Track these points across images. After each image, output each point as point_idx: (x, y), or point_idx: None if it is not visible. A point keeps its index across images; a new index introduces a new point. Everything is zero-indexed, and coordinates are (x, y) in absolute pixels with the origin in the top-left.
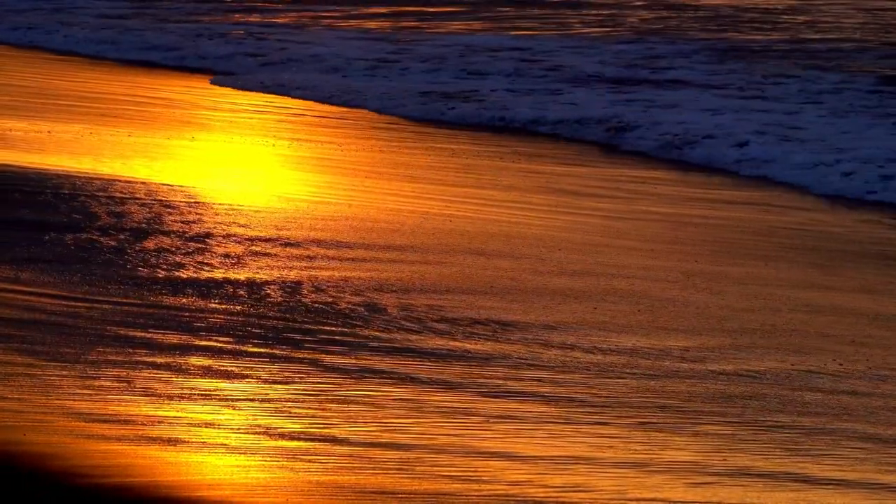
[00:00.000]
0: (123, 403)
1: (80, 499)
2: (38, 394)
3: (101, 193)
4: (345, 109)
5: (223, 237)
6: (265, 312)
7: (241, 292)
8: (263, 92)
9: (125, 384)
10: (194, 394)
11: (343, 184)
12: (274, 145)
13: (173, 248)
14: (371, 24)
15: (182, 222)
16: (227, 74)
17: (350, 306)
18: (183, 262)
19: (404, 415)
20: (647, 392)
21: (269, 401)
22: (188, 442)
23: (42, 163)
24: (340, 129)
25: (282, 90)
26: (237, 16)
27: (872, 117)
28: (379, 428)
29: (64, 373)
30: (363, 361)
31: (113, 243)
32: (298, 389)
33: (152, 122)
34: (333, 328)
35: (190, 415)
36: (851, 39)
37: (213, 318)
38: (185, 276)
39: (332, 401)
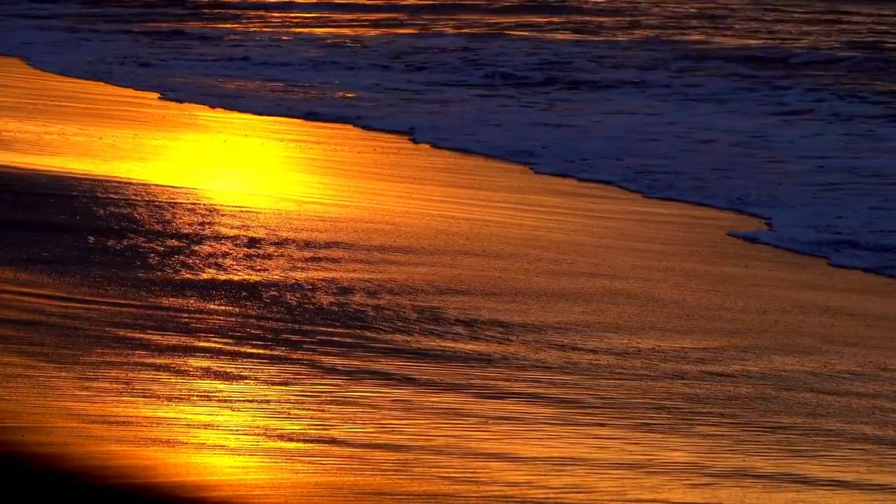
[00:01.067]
0: (122, 405)
1: (81, 499)
2: (37, 395)
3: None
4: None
5: (221, 238)
6: (263, 314)
7: (239, 293)
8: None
9: (124, 385)
10: (193, 395)
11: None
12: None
13: (171, 249)
14: (339, 30)
15: (178, 223)
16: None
17: (348, 307)
18: (181, 263)
19: (403, 416)
20: (646, 393)
21: (267, 402)
22: (187, 443)
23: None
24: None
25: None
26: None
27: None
28: (377, 429)
29: (63, 374)
30: (361, 363)
31: (111, 244)
32: (297, 391)
33: None
34: (331, 329)
35: (189, 416)
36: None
37: (212, 319)
38: (183, 277)
39: (330, 402)
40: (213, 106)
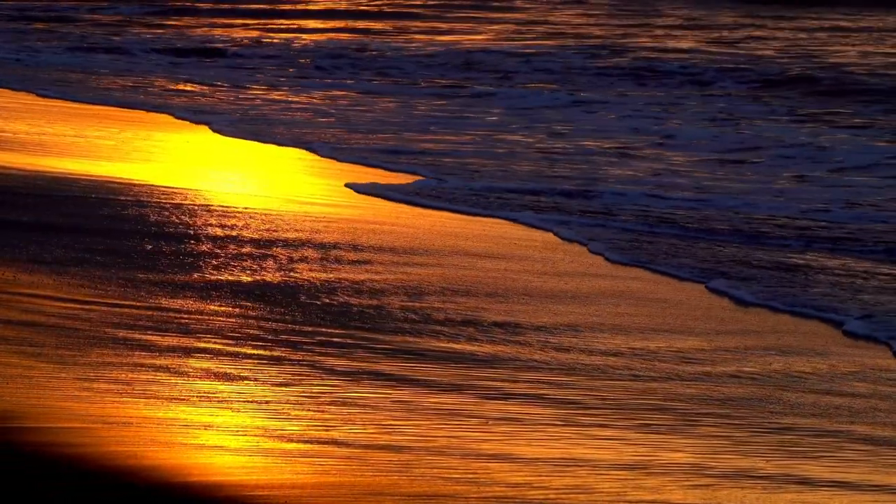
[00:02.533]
0: (123, 406)
1: (84, 499)
2: (37, 396)
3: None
4: None
5: (221, 239)
6: (263, 315)
7: (240, 294)
8: None
9: (125, 386)
10: (193, 396)
11: None
12: None
13: (171, 250)
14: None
15: (178, 224)
16: None
17: (348, 308)
18: (182, 263)
19: (403, 416)
20: (647, 393)
21: (267, 403)
22: (187, 444)
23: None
24: None
25: None
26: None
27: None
28: (377, 430)
29: (63, 374)
30: (361, 363)
31: (111, 245)
32: (297, 391)
33: None
34: (331, 330)
35: (189, 416)
36: None
37: (212, 320)
38: (184, 278)
39: (330, 403)
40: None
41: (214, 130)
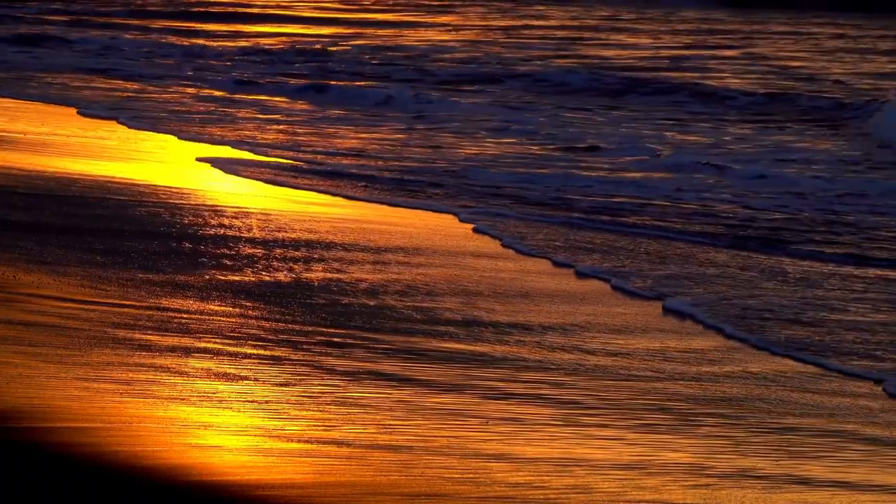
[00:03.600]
0: (123, 405)
1: (85, 498)
2: (38, 395)
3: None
4: None
5: (220, 239)
6: (264, 314)
7: (240, 294)
8: None
9: (125, 386)
10: (193, 396)
11: None
12: None
13: (170, 250)
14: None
15: (176, 224)
16: None
17: (348, 308)
18: (181, 263)
19: (403, 416)
20: (647, 394)
21: (267, 403)
22: (187, 444)
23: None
24: None
25: None
26: None
27: None
28: (378, 430)
29: (63, 374)
30: (362, 363)
31: (110, 244)
32: (297, 391)
33: None
34: (331, 330)
35: (189, 416)
36: None
37: (213, 320)
38: (183, 278)
39: (330, 403)
40: None
41: (121, 123)
